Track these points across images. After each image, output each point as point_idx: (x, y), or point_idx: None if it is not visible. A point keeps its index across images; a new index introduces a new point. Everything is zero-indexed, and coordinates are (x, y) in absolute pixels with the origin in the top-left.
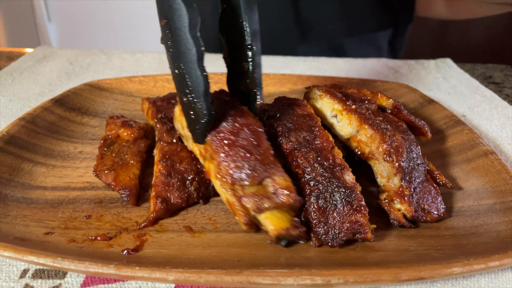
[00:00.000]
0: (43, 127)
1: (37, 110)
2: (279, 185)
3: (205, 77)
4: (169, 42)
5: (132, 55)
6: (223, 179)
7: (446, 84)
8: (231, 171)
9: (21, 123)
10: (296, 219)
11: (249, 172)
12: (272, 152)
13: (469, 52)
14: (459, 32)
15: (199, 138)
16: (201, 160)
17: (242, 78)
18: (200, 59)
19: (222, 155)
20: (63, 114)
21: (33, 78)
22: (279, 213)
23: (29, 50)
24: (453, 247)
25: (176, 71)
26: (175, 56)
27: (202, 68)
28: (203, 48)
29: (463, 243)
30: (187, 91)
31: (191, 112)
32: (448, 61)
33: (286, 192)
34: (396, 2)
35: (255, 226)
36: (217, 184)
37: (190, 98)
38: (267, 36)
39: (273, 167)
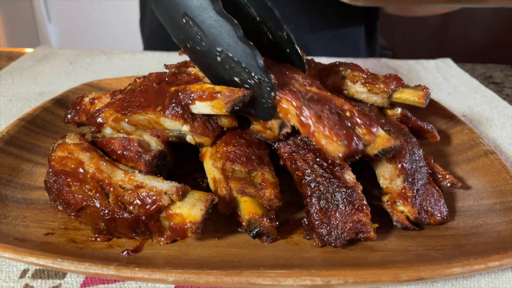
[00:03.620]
0: (43, 127)
1: (37, 110)
2: (267, 179)
3: (253, 47)
4: (198, 36)
5: (132, 55)
6: (217, 159)
7: (446, 84)
8: (227, 154)
9: (21, 123)
10: (273, 216)
11: (244, 159)
12: (268, 155)
13: (469, 52)
14: (459, 32)
15: (269, 113)
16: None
17: (277, 49)
18: (240, 32)
19: (224, 138)
20: (63, 114)
21: (33, 78)
22: (257, 203)
23: (29, 50)
24: (453, 247)
25: (219, 59)
26: (212, 44)
27: (246, 41)
28: (236, 21)
29: (463, 243)
30: (242, 72)
31: (253, 92)
32: (448, 61)
33: (271, 187)
34: None
35: (230, 209)
36: (208, 164)
37: (247, 78)
38: None
39: (266, 165)
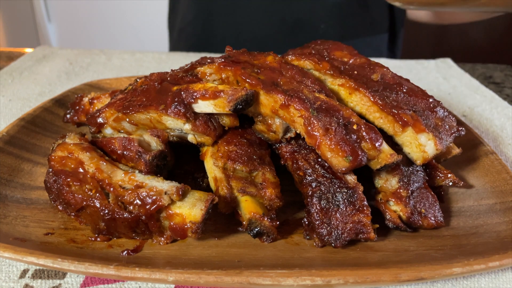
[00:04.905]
0: (43, 127)
1: (37, 110)
2: (268, 179)
3: None
4: None
5: (132, 55)
6: (218, 158)
7: (447, 84)
8: (228, 153)
9: (21, 123)
10: (273, 215)
11: (245, 158)
12: (269, 154)
13: (469, 52)
14: (459, 32)
15: None
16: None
17: None
18: None
19: (225, 137)
20: (63, 114)
21: (33, 78)
22: (258, 202)
23: (29, 50)
24: (453, 247)
25: None
26: None
27: None
28: None
29: (463, 243)
30: None
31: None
32: (448, 61)
33: (271, 187)
34: (390, 7)
35: (231, 209)
36: (210, 163)
37: None
38: (253, 38)
39: (267, 165)
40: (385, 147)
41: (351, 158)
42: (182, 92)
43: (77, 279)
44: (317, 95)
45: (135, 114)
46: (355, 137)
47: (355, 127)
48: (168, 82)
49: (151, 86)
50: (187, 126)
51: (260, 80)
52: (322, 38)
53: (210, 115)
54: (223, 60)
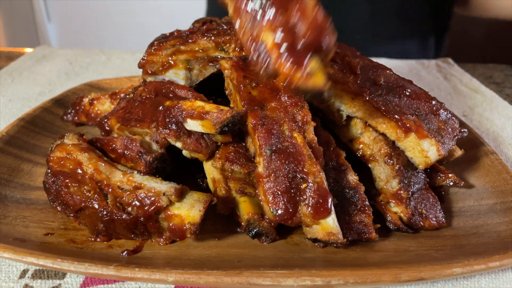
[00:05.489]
0: (43, 128)
1: (36, 110)
2: None
3: None
4: None
5: (132, 55)
6: (216, 159)
7: (447, 84)
8: (226, 154)
9: (20, 123)
10: None
11: (243, 160)
12: None
13: (469, 52)
14: (459, 32)
15: None
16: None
17: None
18: None
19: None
20: (62, 113)
21: (33, 78)
22: (256, 203)
23: (28, 50)
24: (453, 248)
25: None
26: None
27: None
28: None
29: (463, 243)
30: None
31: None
32: (449, 60)
33: None
34: (428, 11)
35: (229, 209)
36: (208, 164)
37: None
38: None
39: None
40: (329, 222)
41: (278, 212)
42: (172, 110)
43: (77, 279)
44: (295, 135)
45: (133, 128)
46: (298, 195)
47: (303, 185)
48: (162, 94)
49: (147, 99)
50: (178, 144)
51: (248, 96)
52: (357, 48)
53: (202, 132)
54: (237, 60)
